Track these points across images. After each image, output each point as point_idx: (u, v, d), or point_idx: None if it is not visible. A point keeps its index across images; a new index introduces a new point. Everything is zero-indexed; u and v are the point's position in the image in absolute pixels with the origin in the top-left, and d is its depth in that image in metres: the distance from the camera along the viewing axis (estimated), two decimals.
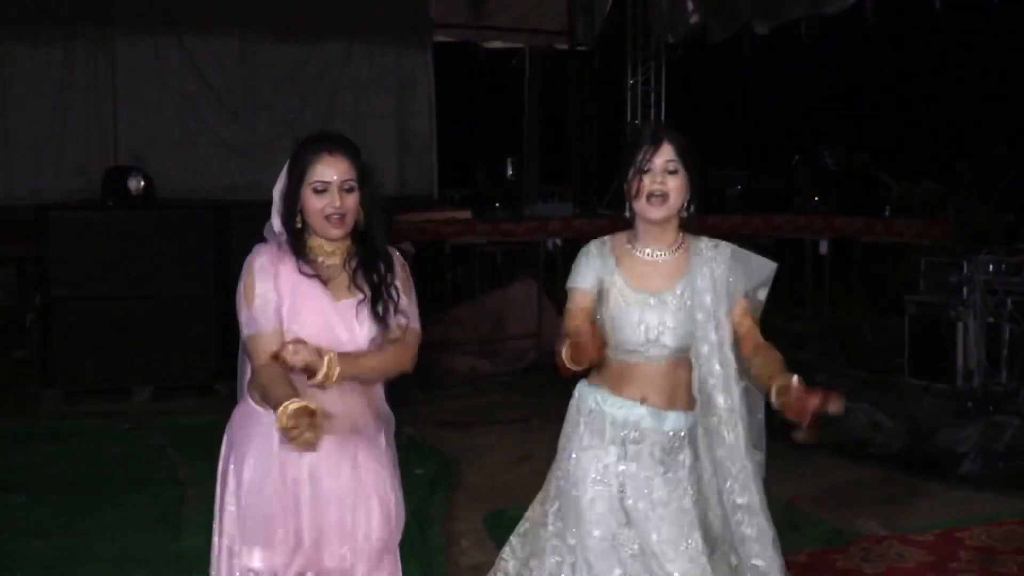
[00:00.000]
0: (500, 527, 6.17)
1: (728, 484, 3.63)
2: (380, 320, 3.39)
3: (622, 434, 3.58)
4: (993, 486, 6.87)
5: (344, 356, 3.27)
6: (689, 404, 3.64)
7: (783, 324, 11.82)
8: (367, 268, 3.43)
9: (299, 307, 3.35)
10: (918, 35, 13.68)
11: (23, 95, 12.16)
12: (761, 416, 3.73)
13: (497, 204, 11.69)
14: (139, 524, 6.23)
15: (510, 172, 11.84)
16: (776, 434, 7.45)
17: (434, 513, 6.16)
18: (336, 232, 3.37)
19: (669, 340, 3.55)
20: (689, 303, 3.58)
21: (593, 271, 3.59)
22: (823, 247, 11.47)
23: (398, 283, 3.46)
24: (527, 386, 9.80)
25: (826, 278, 11.68)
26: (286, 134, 13.02)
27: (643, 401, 3.57)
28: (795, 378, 3.29)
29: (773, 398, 3.35)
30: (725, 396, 3.61)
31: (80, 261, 9.21)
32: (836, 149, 11.98)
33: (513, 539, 3.92)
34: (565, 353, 3.26)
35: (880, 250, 11.94)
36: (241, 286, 3.42)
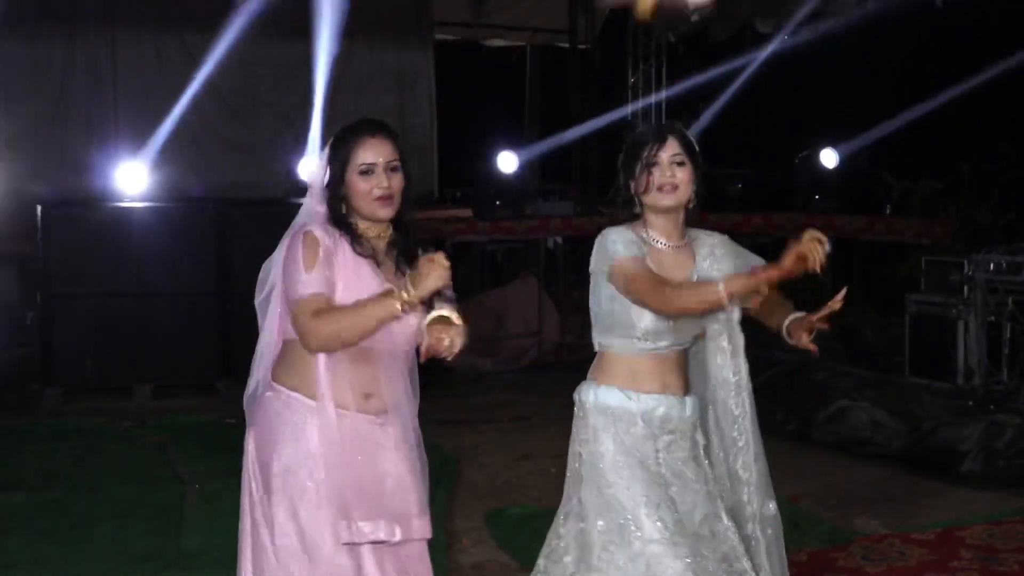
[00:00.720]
0: (501, 525, 6.19)
1: (732, 457, 3.71)
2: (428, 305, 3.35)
3: (655, 429, 3.63)
4: (994, 485, 6.88)
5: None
6: (696, 387, 3.74)
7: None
8: (407, 254, 3.46)
9: (357, 288, 3.33)
10: (919, 34, 13.67)
11: (24, 93, 12.15)
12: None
13: (498, 202, 11.68)
14: (140, 521, 6.23)
15: (511, 170, 11.82)
16: (776, 433, 7.44)
17: (434, 511, 6.15)
18: (385, 212, 3.40)
19: (689, 327, 3.63)
20: None
21: (627, 245, 3.59)
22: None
23: None
24: (528, 384, 9.81)
25: (826, 276, 11.66)
26: (287, 132, 13.04)
27: (664, 391, 3.63)
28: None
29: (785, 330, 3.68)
30: (734, 371, 3.71)
31: (81, 259, 9.22)
32: (837, 148, 11.97)
33: (541, 562, 3.82)
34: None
35: (881, 249, 11.93)
36: (298, 251, 3.32)
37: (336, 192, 3.42)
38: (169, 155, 12.05)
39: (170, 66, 12.54)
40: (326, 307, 3.26)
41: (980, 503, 6.57)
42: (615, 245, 3.58)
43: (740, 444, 3.70)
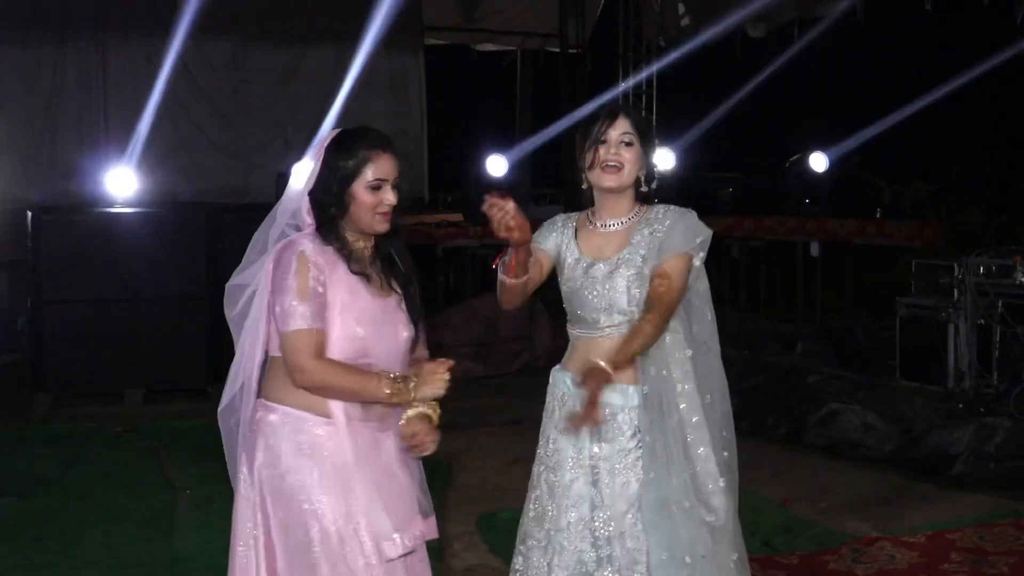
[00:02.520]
0: (492, 529, 6.19)
1: (689, 435, 3.58)
2: (414, 313, 3.46)
3: (556, 410, 3.71)
4: (984, 487, 6.88)
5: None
6: (633, 378, 3.61)
7: (774, 326, 11.85)
8: (390, 261, 3.46)
9: (353, 309, 3.31)
10: (909, 37, 13.71)
11: (14, 97, 12.14)
12: (728, 408, 3.71)
13: None
14: (131, 527, 6.22)
15: (501, 173, 11.83)
16: (768, 436, 7.47)
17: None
18: (383, 227, 3.38)
19: (622, 309, 3.58)
20: (633, 269, 3.59)
21: (553, 236, 3.70)
22: (814, 249, 11.47)
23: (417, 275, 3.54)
24: (519, 388, 9.80)
25: (817, 280, 11.69)
26: (278, 137, 13.05)
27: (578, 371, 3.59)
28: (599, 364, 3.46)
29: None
30: (680, 351, 3.59)
31: (72, 264, 9.20)
32: (827, 151, 11.99)
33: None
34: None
35: (871, 252, 11.95)
36: (290, 275, 3.27)
37: (336, 200, 3.34)
38: (159, 160, 12.06)
39: (160, 71, 12.53)
40: (323, 351, 3.26)
41: (970, 506, 6.58)
42: (538, 232, 3.70)
43: (694, 421, 3.59)
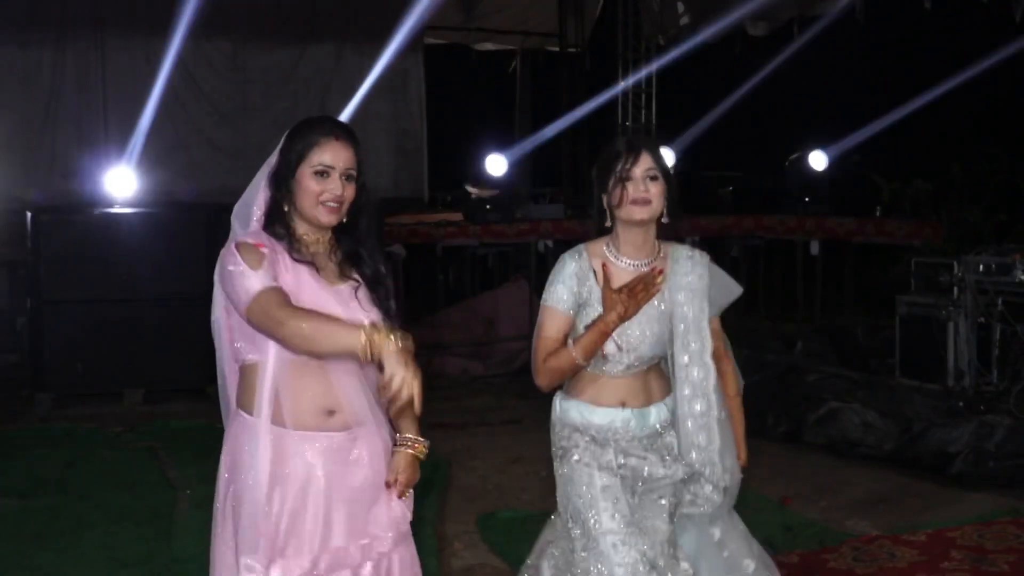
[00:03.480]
0: (492, 528, 6.19)
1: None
2: (379, 309, 3.28)
3: (614, 439, 3.69)
4: (984, 486, 6.89)
5: (410, 432, 3.42)
6: (666, 391, 3.76)
7: (774, 325, 11.85)
8: (356, 259, 3.33)
9: (299, 293, 3.16)
10: (908, 35, 13.71)
11: (14, 97, 12.15)
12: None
13: (488, 206, 11.69)
14: (130, 527, 6.22)
15: (500, 172, 11.83)
16: (767, 435, 7.46)
17: (426, 515, 6.16)
18: (328, 219, 3.25)
19: (647, 349, 3.68)
20: (667, 313, 3.68)
21: (569, 289, 3.67)
22: (814, 248, 11.48)
23: (388, 278, 3.39)
24: (519, 388, 9.80)
25: (817, 279, 11.69)
26: (277, 137, 13.01)
27: (623, 405, 3.69)
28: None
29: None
30: (702, 402, 3.71)
31: (71, 264, 9.20)
32: (827, 150, 12.00)
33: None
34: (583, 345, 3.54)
35: (871, 251, 11.94)
36: (236, 258, 3.15)
37: (282, 186, 3.26)
38: (159, 160, 12.06)
39: (159, 71, 12.54)
40: (283, 300, 3.07)
41: (970, 504, 6.58)
42: (551, 284, 3.70)
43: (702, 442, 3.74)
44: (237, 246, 3.21)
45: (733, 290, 3.83)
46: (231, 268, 3.16)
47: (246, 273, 3.12)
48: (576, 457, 3.69)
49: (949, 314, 8.57)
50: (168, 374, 9.40)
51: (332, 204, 3.24)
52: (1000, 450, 7.17)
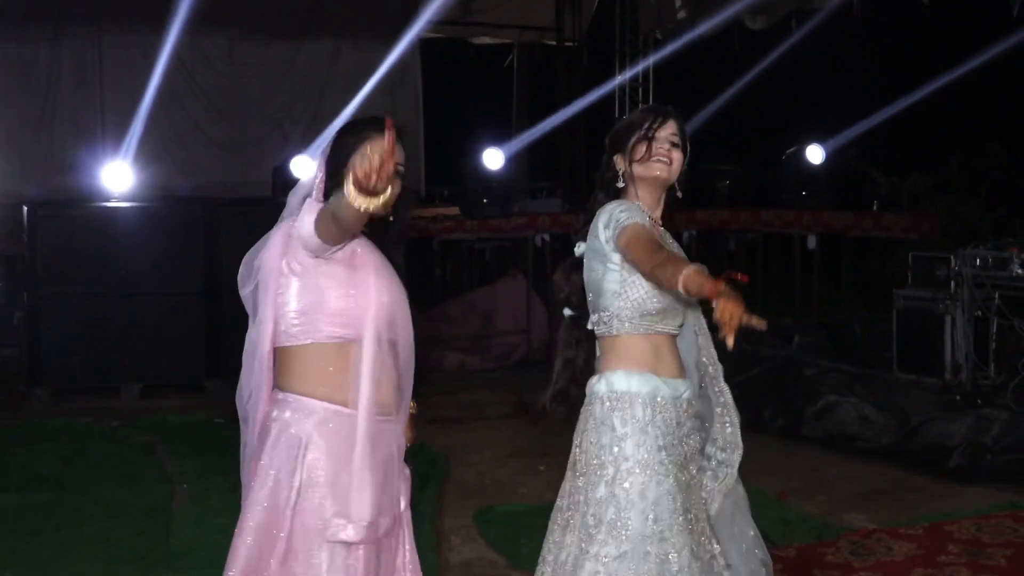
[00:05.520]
0: (490, 523, 6.20)
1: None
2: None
3: (680, 414, 3.55)
4: (981, 480, 6.90)
5: None
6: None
7: (771, 319, 11.84)
8: (389, 253, 3.48)
9: (350, 285, 3.33)
10: (906, 29, 13.70)
11: (10, 92, 12.13)
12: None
13: (485, 200, 11.68)
14: (128, 522, 6.22)
15: (497, 167, 11.82)
16: (765, 429, 7.45)
17: (423, 509, 6.16)
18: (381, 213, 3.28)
19: (684, 305, 3.60)
20: None
21: (642, 215, 3.52)
22: (811, 242, 11.47)
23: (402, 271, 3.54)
24: (516, 382, 9.80)
25: (814, 273, 11.69)
26: (274, 132, 13.04)
27: (682, 375, 3.60)
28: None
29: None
30: (709, 357, 3.75)
31: (68, 259, 9.20)
32: (824, 144, 11.99)
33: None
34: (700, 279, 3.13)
35: (868, 245, 11.95)
36: (303, 210, 3.30)
37: (335, 175, 3.33)
38: (156, 155, 12.05)
39: (156, 66, 12.51)
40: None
41: (967, 498, 6.59)
42: (622, 213, 3.47)
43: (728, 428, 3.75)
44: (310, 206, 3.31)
45: None
46: (297, 215, 3.31)
47: (307, 212, 3.26)
48: (656, 468, 3.43)
49: (946, 308, 8.57)
50: (166, 369, 9.40)
51: None
52: (997, 444, 7.19)
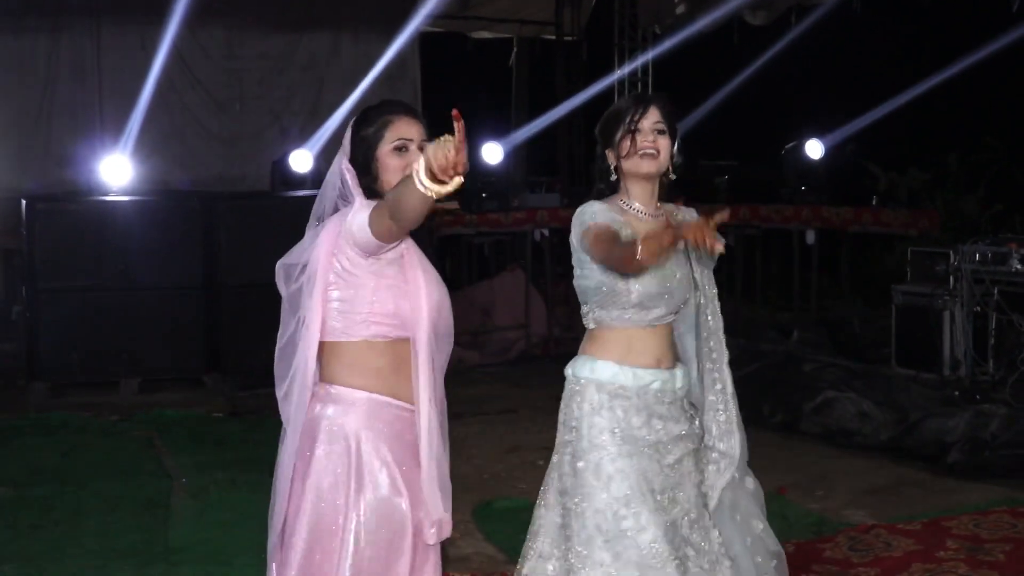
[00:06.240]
0: (488, 518, 6.20)
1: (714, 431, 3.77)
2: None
3: (650, 402, 3.61)
4: (980, 475, 6.90)
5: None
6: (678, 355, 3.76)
7: (770, 314, 11.86)
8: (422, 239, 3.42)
9: (387, 278, 3.28)
10: (905, 24, 13.69)
11: (9, 86, 12.10)
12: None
13: (484, 195, 11.67)
14: (127, 516, 6.22)
15: (496, 161, 11.80)
16: (763, 425, 7.45)
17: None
18: None
19: (678, 296, 3.64)
20: (684, 260, 3.68)
21: (609, 216, 3.57)
22: (810, 237, 11.46)
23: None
24: (515, 377, 9.81)
25: (813, 268, 11.69)
26: (273, 125, 13.02)
27: (658, 365, 3.63)
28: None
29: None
30: (716, 342, 3.76)
31: (67, 253, 9.19)
32: (823, 139, 11.99)
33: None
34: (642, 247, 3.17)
35: (867, 240, 11.95)
36: (355, 206, 3.26)
37: (365, 169, 3.33)
38: (154, 148, 12.03)
39: (155, 59, 12.49)
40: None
41: (966, 493, 6.59)
42: (590, 215, 3.56)
43: (720, 420, 3.76)
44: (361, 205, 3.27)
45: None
46: (349, 212, 3.24)
47: (356, 209, 3.22)
48: (607, 425, 3.57)
49: (945, 303, 8.57)
50: (164, 363, 9.40)
51: None
52: (996, 439, 7.19)
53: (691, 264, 3.70)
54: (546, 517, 3.69)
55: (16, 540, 5.84)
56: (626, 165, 3.63)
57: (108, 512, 6.29)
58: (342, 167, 3.37)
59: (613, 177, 3.68)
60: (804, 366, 8.70)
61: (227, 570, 5.41)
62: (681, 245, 3.39)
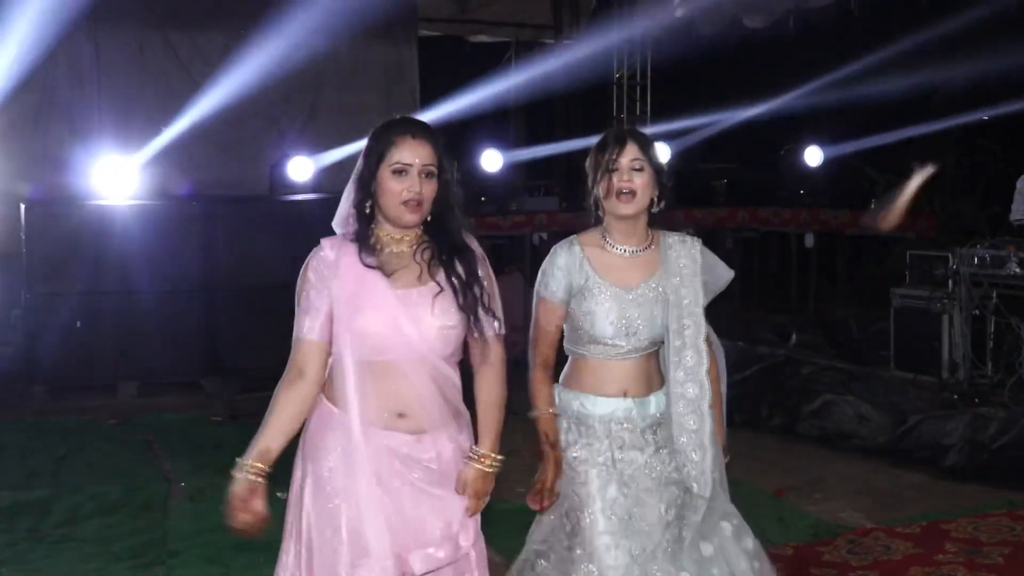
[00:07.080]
0: (487, 522, 6.17)
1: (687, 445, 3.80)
2: (463, 312, 3.36)
3: (613, 428, 3.73)
4: (978, 478, 6.90)
5: (483, 447, 3.58)
6: (662, 383, 3.80)
7: (769, 317, 11.86)
8: (445, 260, 3.31)
9: (363, 300, 3.19)
10: (902, 28, 13.70)
11: (7, 90, 12.08)
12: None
13: (483, 198, 11.68)
14: (124, 519, 6.22)
15: (495, 169, 11.83)
16: (762, 427, 7.45)
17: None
18: (411, 218, 3.25)
19: (646, 333, 3.70)
20: (664, 296, 3.71)
21: (562, 278, 3.73)
22: (808, 240, 11.49)
23: (483, 278, 3.42)
24: (513, 380, 9.77)
25: (811, 271, 11.70)
26: (271, 129, 13.01)
27: (625, 394, 3.70)
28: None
29: None
30: (695, 387, 3.75)
31: (65, 257, 9.19)
32: (821, 143, 12.01)
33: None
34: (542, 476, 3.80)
35: (865, 243, 11.96)
36: (298, 283, 3.25)
37: (366, 188, 3.27)
38: (153, 153, 12.02)
39: (153, 63, 12.49)
40: (297, 359, 3.22)
41: (964, 496, 6.59)
42: (544, 275, 3.78)
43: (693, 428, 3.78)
44: (307, 261, 3.27)
45: (724, 274, 3.87)
46: (299, 279, 3.26)
47: (303, 307, 3.23)
48: (574, 454, 3.76)
49: (943, 306, 8.57)
50: (162, 367, 9.40)
51: (413, 203, 3.23)
52: (994, 442, 7.19)
53: (668, 301, 3.72)
54: (545, 518, 3.87)
55: (14, 544, 5.83)
56: (606, 205, 3.69)
57: (106, 515, 6.28)
58: (350, 186, 3.35)
59: (600, 212, 3.73)
60: (802, 369, 8.70)
61: (225, 572, 5.42)
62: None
